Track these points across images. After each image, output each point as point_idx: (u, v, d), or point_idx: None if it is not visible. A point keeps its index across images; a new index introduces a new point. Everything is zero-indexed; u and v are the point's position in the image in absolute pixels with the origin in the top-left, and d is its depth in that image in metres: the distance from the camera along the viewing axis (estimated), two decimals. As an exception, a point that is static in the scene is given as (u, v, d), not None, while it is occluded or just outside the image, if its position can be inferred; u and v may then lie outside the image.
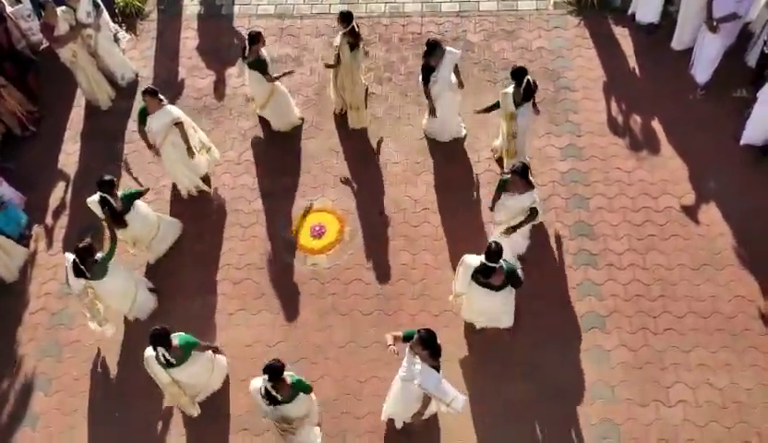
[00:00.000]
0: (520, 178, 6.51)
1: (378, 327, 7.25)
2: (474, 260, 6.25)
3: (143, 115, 7.54)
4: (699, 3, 8.19)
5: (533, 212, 6.74)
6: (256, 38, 7.68)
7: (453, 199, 8.03)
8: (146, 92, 7.39)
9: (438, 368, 5.77)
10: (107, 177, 6.97)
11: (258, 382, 5.78)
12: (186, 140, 7.64)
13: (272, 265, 7.79)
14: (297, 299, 7.56)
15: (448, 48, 7.55)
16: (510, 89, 7.19)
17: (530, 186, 6.61)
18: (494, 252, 6.02)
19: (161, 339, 5.99)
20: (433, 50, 7.41)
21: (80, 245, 6.62)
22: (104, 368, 7.33)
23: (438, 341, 5.70)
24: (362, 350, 7.15)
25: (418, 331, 5.66)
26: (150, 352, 6.18)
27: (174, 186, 8.36)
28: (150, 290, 7.52)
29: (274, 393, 5.65)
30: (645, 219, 7.68)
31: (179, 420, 6.97)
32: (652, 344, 6.94)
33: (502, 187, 6.73)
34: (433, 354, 5.70)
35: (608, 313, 7.16)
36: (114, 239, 6.97)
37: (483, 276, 6.17)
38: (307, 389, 5.96)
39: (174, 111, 7.53)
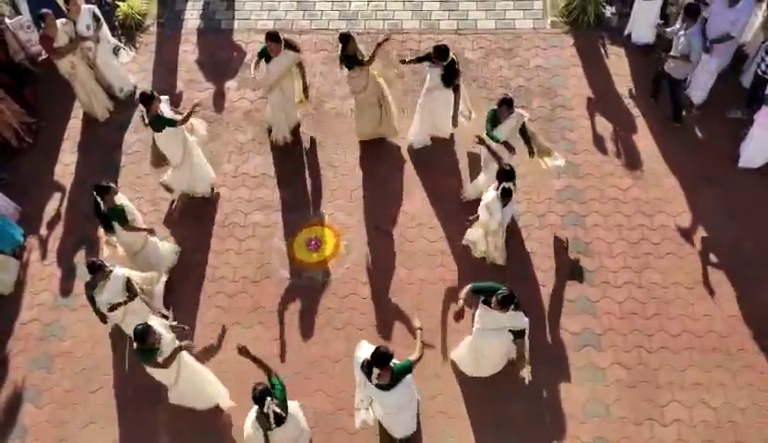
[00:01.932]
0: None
1: (374, 341, 7.20)
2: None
3: (169, 122, 7.49)
4: (695, 25, 8.28)
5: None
6: (275, 37, 7.78)
7: (449, 215, 8.04)
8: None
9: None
10: (105, 183, 6.92)
11: (252, 417, 5.69)
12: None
13: (268, 278, 7.77)
14: (292, 313, 7.53)
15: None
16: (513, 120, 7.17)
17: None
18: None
19: (137, 337, 5.90)
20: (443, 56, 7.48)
21: (90, 262, 6.58)
22: (96, 381, 7.26)
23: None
24: (356, 365, 7.12)
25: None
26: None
27: (170, 197, 8.39)
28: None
29: (280, 411, 5.56)
30: (641, 237, 7.70)
31: (170, 433, 6.91)
32: (646, 363, 6.93)
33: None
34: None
35: (603, 331, 7.15)
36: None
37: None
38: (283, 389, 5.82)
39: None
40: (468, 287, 6.17)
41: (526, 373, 6.52)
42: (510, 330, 6.14)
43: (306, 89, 8.39)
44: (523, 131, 7.23)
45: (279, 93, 8.26)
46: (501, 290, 5.92)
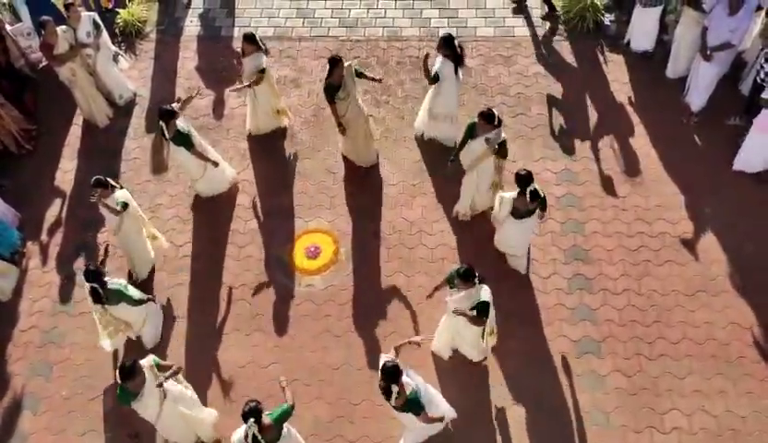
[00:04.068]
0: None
1: (373, 349, 7.21)
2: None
3: (188, 144, 7.53)
4: (693, 33, 8.32)
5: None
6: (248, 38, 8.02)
7: (449, 222, 8.04)
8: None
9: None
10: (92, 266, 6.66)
11: (240, 433, 5.52)
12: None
13: (267, 285, 7.77)
14: (291, 320, 7.52)
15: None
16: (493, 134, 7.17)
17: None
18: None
19: (123, 373, 5.74)
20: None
21: (89, 268, 6.54)
22: (95, 388, 7.24)
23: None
24: (356, 372, 7.11)
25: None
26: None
27: (170, 204, 8.39)
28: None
29: (260, 438, 5.39)
30: (640, 244, 7.70)
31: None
32: (646, 370, 6.92)
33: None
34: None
35: (603, 338, 7.14)
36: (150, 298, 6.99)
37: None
38: (288, 412, 5.65)
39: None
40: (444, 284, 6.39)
41: (489, 342, 6.63)
42: (473, 308, 6.13)
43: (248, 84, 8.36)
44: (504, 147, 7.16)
45: (250, 92, 8.41)
46: (459, 268, 6.05)
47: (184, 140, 7.50)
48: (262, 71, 8.07)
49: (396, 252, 7.89)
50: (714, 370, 6.86)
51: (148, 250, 7.87)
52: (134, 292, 6.88)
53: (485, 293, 6.16)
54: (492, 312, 6.28)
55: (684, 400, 6.72)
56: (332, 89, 7.64)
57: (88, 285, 6.58)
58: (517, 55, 9.50)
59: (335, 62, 7.53)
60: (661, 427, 6.60)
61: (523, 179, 6.56)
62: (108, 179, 7.17)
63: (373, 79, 8.00)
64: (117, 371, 5.77)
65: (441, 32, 9.72)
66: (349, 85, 7.71)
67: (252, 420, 5.32)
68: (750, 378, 6.79)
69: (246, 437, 5.38)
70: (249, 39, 7.99)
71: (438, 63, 7.74)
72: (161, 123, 7.40)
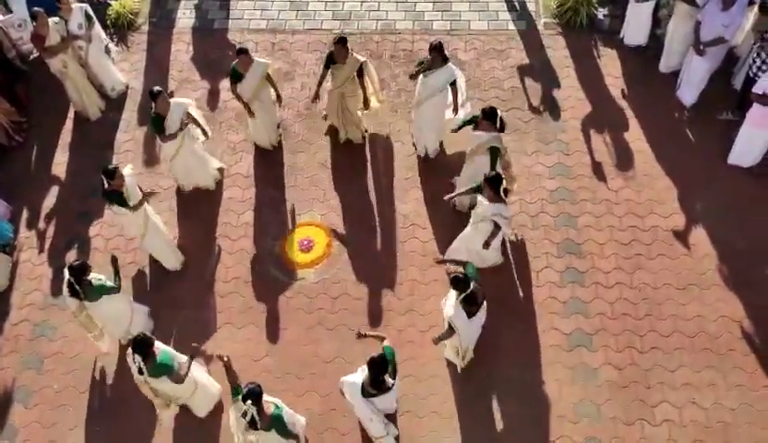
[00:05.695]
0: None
1: (365, 342, 7.21)
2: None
3: (158, 129, 7.47)
4: (686, 27, 8.33)
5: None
6: (246, 50, 7.79)
7: (442, 215, 8.05)
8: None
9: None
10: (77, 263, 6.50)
11: (239, 408, 5.59)
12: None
13: (260, 279, 7.76)
14: (284, 313, 7.52)
15: (450, 64, 7.68)
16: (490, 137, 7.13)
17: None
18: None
19: (141, 348, 5.85)
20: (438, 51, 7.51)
21: (74, 264, 6.41)
22: (86, 381, 7.23)
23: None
24: (348, 365, 7.10)
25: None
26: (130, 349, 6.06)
27: (162, 197, 8.37)
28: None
29: (257, 419, 5.47)
30: (632, 238, 7.73)
31: (161, 433, 6.89)
32: (638, 363, 6.95)
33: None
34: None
35: (595, 331, 7.17)
36: (117, 274, 6.68)
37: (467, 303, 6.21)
38: (283, 428, 5.69)
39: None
40: (463, 264, 6.35)
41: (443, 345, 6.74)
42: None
43: (279, 97, 8.35)
44: (494, 154, 7.11)
45: (258, 105, 8.18)
46: (460, 272, 6.10)
47: (154, 123, 7.50)
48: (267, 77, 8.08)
49: (389, 245, 7.89)
50: (704, 363, 6.91)
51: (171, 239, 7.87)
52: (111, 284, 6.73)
53: (456, 316, 6.17)
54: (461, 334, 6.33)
55: (675, 392, 6.77)
56: (330, 59, 7.81)
57: (66, 279, 6.40)
58: (510, 49, 9.49)
59: (340, 41, 7.62)
60: (652, 420, 6.64)
61: (496, 180, 6.58)
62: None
63: (363, 89, 8.08)
64: (134, 344, 5.85)
65: (435, 26, 9.81)
66: (344, 70, 7.77)
67: (250, 402, 5.39)
68: (739, 371, 6.84)
69: (245, 414, 5.44)
70: (245, 51, 7.74)
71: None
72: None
